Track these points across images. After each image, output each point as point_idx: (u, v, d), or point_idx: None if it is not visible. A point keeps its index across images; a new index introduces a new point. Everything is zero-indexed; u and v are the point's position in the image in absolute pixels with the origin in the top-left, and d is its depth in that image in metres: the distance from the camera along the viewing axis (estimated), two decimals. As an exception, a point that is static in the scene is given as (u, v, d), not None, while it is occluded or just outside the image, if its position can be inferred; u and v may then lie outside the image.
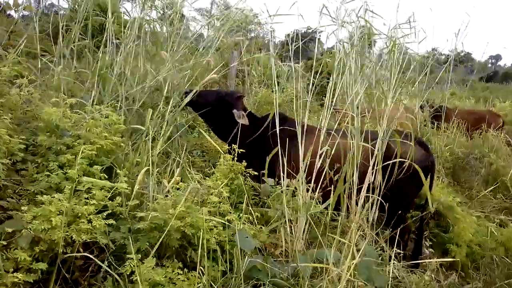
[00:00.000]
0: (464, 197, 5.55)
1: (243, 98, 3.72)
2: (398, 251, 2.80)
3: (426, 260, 3.57)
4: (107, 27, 3.73)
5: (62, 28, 3.64)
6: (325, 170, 2.89)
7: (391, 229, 3.33)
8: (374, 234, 2.83)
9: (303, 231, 2.63)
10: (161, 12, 4.78)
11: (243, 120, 3.42)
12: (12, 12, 4.78)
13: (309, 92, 3.02)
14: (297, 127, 2.99)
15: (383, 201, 3.06)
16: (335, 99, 3.10)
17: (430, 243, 4.17)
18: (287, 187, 2.76)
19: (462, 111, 9.26)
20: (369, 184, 2.99)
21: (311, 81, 3.03)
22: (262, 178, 3.02)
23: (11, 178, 2.15)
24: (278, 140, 2.93)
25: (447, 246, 4.07)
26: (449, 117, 8.23)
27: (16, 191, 2.14)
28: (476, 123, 8.82)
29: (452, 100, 16.44)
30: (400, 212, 3.35)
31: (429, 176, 3.32)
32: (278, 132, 2.97)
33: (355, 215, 2.80)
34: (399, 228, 3.12)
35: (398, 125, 4.23)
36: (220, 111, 3.58)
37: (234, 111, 3.52)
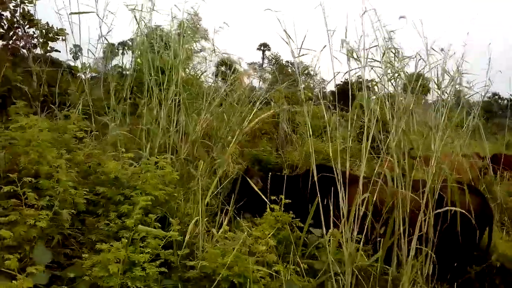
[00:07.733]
0: (534, 251, 5.07)
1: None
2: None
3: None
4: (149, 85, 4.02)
5: (117, 87, 4.00)
6: (368, 219, 2.82)
7: (450, 284, 3.14)
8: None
9: (350, 286, 2.54)
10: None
11: (258, 186, 3.79)
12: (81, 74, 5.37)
13: (349, 137, 3.02)
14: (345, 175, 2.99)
15: (433, 254, 2.91)
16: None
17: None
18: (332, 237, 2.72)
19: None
20: (421, 235, 2.87)
21: (349, 130, 3.04)
22: (309, 228, 3.01)
23: (75, 227, 2.34)
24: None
25: (515, 305, 3.72)
26: (512, 165, 7.71)
27: (79, 240, 2.32)
28: (543, 170, 8.15)
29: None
30: (458, 265, 3.16)
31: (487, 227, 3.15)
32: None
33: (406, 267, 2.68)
34: (458, 283, 2.93)
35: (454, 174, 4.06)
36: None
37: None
